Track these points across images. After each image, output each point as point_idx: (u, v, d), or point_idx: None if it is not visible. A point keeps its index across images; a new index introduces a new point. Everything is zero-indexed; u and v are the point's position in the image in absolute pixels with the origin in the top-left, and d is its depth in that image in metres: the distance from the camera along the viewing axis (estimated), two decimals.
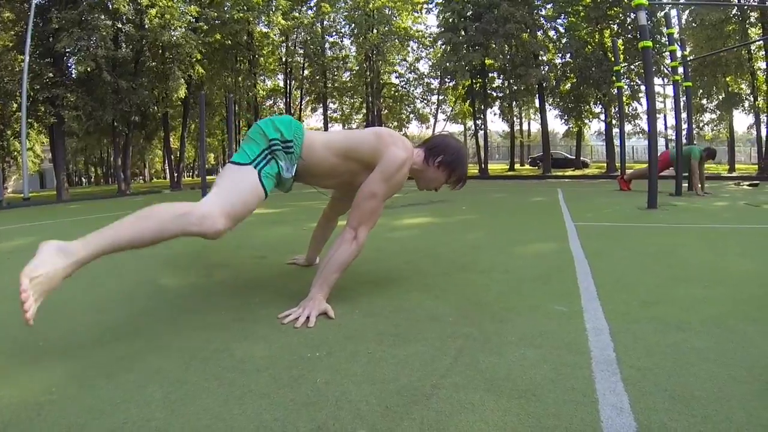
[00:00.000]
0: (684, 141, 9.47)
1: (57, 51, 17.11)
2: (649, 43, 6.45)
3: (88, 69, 16.63)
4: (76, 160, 45.96)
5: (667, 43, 11.50)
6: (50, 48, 17.16)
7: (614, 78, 14.08)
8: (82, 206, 11.09)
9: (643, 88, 21.22)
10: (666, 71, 20.22)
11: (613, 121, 22.71)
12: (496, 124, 59.68)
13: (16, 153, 23.64)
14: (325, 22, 29.06)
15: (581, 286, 2.32)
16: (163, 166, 52.61)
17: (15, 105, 18.84)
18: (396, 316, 1.92)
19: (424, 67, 44.49)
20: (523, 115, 35.85)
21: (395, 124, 31.80)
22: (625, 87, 20.14)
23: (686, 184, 8.48)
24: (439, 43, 26.10)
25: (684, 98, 10.27)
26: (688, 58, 10.84)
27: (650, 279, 2.44)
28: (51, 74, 17.21)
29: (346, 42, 30.43)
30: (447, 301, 2.12)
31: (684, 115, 10.64)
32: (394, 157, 2.06)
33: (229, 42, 23.61)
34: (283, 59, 31.35)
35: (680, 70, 9.57)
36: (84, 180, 51.68)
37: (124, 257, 3.36)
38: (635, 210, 5.85)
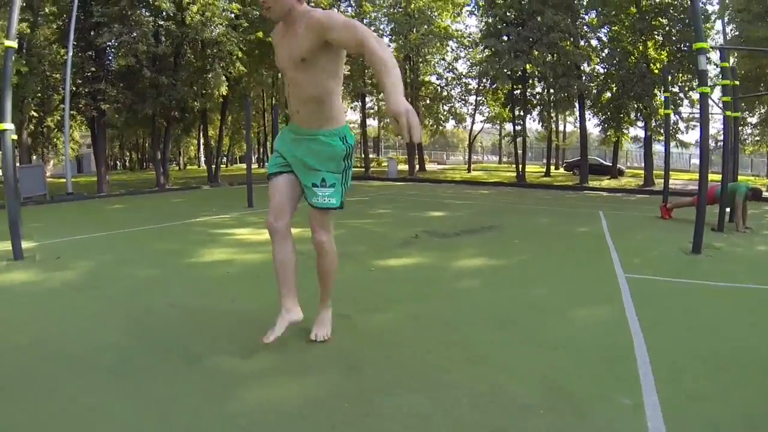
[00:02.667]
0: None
1: (98, 45, 17.66)
2: (708, 89, 6.59)
3: (129, 64, 17.14)
4: (111, 145, 47.44)
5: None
6: (91, 42, 17.75)
7: (658, 97, 14.00)
8: (127, 205, 11.82)
9: (684, 98, 21.27)
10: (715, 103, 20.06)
11: (653, 134, 22.57)
12: (531, 122, 58.74)
13: (56, 140, 24.91)
14: (365, 20, 29.35)
15: (640, 371, 2.70)
16: (197, 154, 54.03)
17: (57, 97, 19.75)
18: (490, 405, 2.32)
19: (462, 66, 44.57)
20: (559, 117, 35.63)
21: (431, 122, 32.13)
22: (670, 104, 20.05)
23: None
24: (481, 47, 26.22)
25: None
26: (738, 95, 10.78)
27: (703, 366, 2.79)
28: (93, 69, 17.96)
29: (385, 40, 30.70)
30: (528, 383, 2.54)
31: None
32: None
33: (270, 39, 23.94)
34: None
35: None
36: (119, 164, 53.48)
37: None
38: (680, 255, 6.11)
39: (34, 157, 27.39)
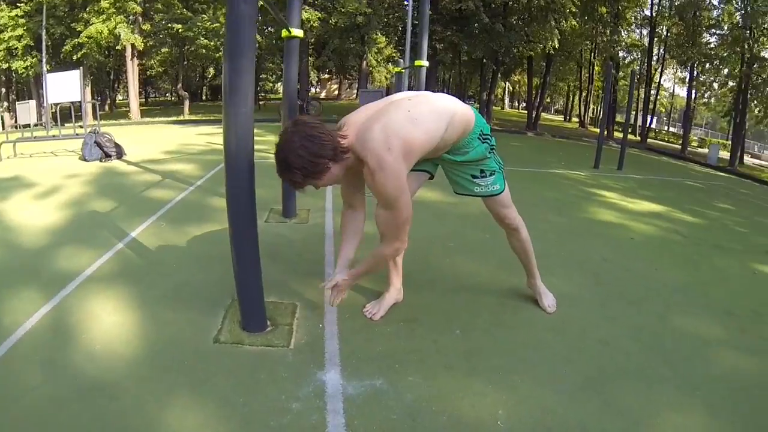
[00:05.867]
0: None
1: None
2: None
3: (463, 8, 18.41)
4: None
5: None
6: None
7: None
8: None
9: None
10: None
11: None
12: None
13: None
14: None
15: None
16: (502, 96, 55.74)
17: (396, 38, 23.46)
18: None
19: None
20: None
21: (759, 108, 28.09)
22: None
23: None
24: None
25: None
26: None
27: None
28: (429, 12, 19.83)
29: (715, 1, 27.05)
30: None
31: None
32: None
33: None
34: (647, 13, 29.56)
35: None
36: None
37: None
38: None
39: None
